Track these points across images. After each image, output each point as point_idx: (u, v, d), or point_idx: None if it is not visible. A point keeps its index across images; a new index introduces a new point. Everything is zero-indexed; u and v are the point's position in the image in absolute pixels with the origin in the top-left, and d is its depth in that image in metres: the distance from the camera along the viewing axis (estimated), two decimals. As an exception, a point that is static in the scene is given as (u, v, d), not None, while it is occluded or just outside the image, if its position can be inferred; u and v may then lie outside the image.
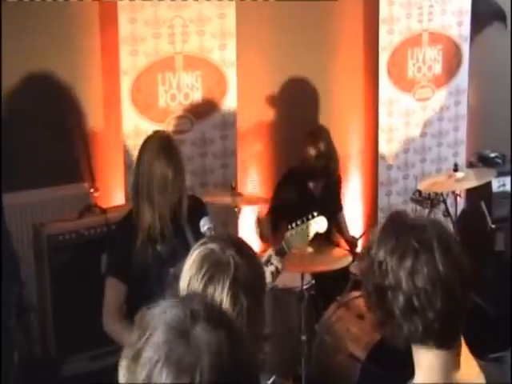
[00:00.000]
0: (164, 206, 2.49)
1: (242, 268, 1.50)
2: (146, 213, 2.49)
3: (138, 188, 2.52)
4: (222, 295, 1.48)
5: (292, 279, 3.34)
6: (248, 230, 3.93)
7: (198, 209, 2.62)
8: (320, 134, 3.85)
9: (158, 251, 2.54)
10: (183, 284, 1.55)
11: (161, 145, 2.51)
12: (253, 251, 1.61)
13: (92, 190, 3.61)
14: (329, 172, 3.86)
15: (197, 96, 3.94)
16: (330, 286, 3.59)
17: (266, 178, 4.28)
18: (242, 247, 1.57)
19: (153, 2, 3.72)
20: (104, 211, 3.42)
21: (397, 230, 1.30)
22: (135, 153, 3.69)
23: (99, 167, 3.80)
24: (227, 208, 3.46)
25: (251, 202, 3.64)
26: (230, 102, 4.03)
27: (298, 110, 4.31)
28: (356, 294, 3.43)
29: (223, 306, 1.45)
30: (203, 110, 3.99)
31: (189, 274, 1.53)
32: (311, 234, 2.57)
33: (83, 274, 3.23)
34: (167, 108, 3.90)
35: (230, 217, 3.68)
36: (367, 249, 1.32)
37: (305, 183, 3.90)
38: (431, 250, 1.25)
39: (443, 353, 1.27)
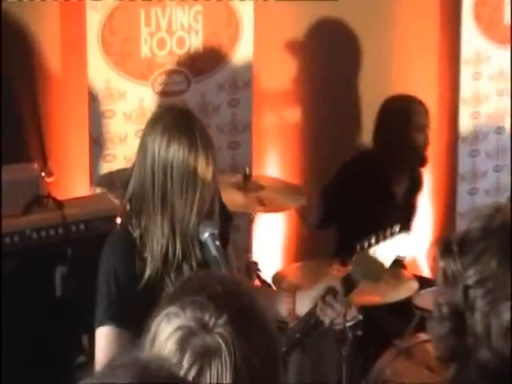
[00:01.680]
0: (190, 216, 2.48)
1: (241, 348, 1.43)
2: (159, 229, 2.48)
3: (145, 191, 2.50)
4: None
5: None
6: (269, 239, 3.99)
7: (226, 227, 2.67)
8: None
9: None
10: None
11: (180, 122, 2.50)
12: (261, 313, 1.51)
13: (43, 174, 3.65)
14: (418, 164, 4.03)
15: (196, 42, 3.99)
16: (386, 324, 3.65)
17: (293, 163, 4.32)
18: (239, 309, 1.47)
19: None
20: (60, 205, 3.47)
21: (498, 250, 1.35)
22: (107, 122, 3.91)
23: (54, 142, 3.86)
24: (237, 206, 3.54)
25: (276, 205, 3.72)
26: (242, 52, 4.08)
27: (339, 64, 4.35)
28: (423, 336, 3.47)
29: None
30: (204, 64, 4.04)
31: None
32: (391, 260, 2.53)
33: (27, 296, 3.29)
34: (152, 59, 3.95)
35: (240, 219, 3.73)
36: (444, 274, 1.35)
37: (386, 180, 4.01)
38: None
39: None
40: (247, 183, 3.63)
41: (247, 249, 3.81)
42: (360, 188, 3.91)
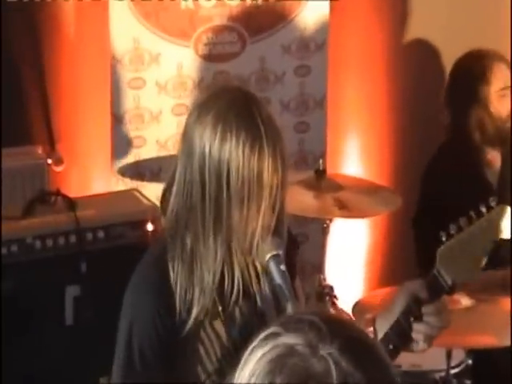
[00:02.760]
0: (251, 235, 2.43)
1: (354, 379, 1.46)
2: (211, 250, 2.45)
3: (190, 202, 2.46)
4: None
5: (431, 356, 3.31)
6: (348, 255, 3.97)
7: (293, 242, 2.66)
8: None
9: (228, 330, 2.53)
10: None
11: (239, 109, 2.43)
12: (370, 337, 1.58)
13: (49, 161, 3.66)
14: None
15: None
16: (505, 371, 3.58)
17: (381, 153, 4.32)
18: (351, 332, 1.54)
19: None
20: (72, 204, 3.45)
21: None
22: (135, 94, 3.89)
23: (65, 120, 3.86)
24: (307, 211, 3.53)
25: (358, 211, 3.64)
26: (316, 5, 4.08)
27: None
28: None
29: None
30: (265, 19, 4.04)
31: None
32: (489, 245, 2.44)
33: (32, 324, 3.29)
34: (195, 11, 3.96)
35: (311, 228, 3.72)
36: None
37: (478, 165, 4.01)
38: None
39: None
40: (321, 181, 3.60)
41: (319, 268, 3.75)
42: (449, 180, 3.96)
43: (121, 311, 2.49)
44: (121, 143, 3.92)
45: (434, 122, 4.27)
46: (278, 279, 2.39)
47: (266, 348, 1.52)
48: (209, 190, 2.42)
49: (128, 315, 2.49)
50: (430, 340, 2.47)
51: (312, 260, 3.78)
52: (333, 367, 1.45)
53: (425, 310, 2.42)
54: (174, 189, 2.49)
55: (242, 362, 1.55)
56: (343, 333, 1.51)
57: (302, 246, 2.83)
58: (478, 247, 2.44)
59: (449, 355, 3.32)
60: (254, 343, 1.54)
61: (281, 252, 2.41)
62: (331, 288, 3.68)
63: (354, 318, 3.55)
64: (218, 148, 2.39)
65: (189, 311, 2.43)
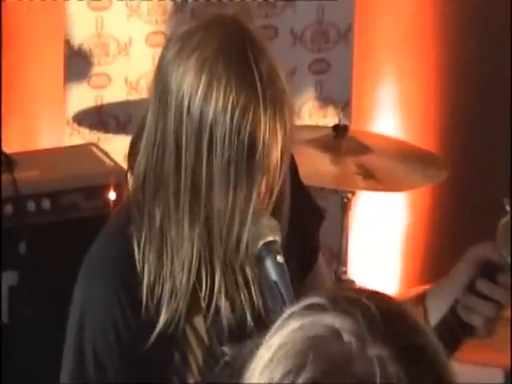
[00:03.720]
0: (239, 220, 2.41)
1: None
2: (186, 238, 2.42)
3: (162, 170, 2.44)
4: None
5: (483, 374, 3.48)
6: (378, 239, 3.99)
7: (311, 216, 2.67)
8: None
9: (212, 331, 2.53)
10: None
11: (229, 52, 2.38)
12: (429, 343, 1.57)
13: None
14: None
15: None
16: None
17: (424, 108, 4.33)
18: (405, 336, 1.54)
19: None
20: (9, 163, 3.46)
21: None
22: (97, 18, 3.86)
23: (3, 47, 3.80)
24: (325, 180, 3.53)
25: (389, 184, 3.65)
26: None
27: None
28: None
29: None
30: None
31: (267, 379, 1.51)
32: None
33: None
34: None
35: (328, 202, 3.70)
36: None
37: None
38: None
39: None
40: (341, 140, 3.60)
41: (338, 256, 3.79)
42: None
43: (70, 304, 2.46)
44: (77, 82, 3.90)
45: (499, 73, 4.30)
46: (273, 275, 2.35)
47: (307, 320, 1.55)
48: (185, 158, 2.39)
49: (78, 308, 2.47)
50: (492, 324, 2.45)
51: (330, 244, 3.76)
52: (378, 372, 1.48)
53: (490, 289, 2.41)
54: (143, 144, 2.46)
55: (276, 325, 1.57)
56: (400, 332, 1.54)
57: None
58: None
59: (506, 378, 3.41)
60: (294, 308, 1.57)
61: (278, 238, 2.35)
62: (352, 283, 3.72)
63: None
64: (200, 106, 2.36)
65: (156, 314, 2.42)
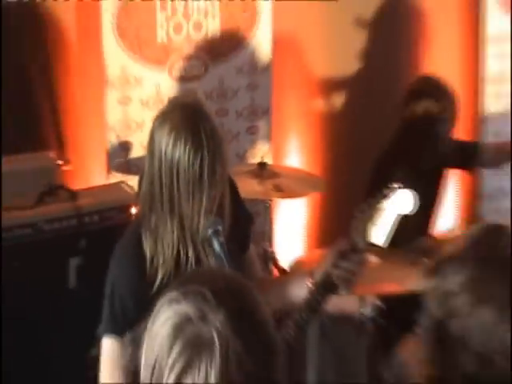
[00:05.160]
0: (198, 217, 2.33)
1: (235, 348, 1.37)
2: (169, 231, 2.34)
3: (153, 191, 2.35)
4: None
5: (352, 302, 3.32)
6: (289, 226, 3.88)
7: (246, 226, 2.57)
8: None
9: None
10: (146, 364, 1.41)
11: (188, 121, 2.32)
12: (258, 310, 1.46)
13: (59, 162, 3.51)
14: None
15: (213, 26, 3.89)
16: (408, 312, 3.46)
17: (314, 152, 4.22)
18: (236, 306, 1.43)
19: None
20: (73, 195, 3.33)
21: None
22: (123, 109, 3.78)
23: (71, 129, 3.74)
24: (253, 193, 3.44)
25: (290, 192, 3.57)
26: (261, 35, 3.98)
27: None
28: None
29: None
30: (222, 48, 3.94)
31: (154, 354, 1.42)
32: (390, 219, 2.31)
33: (40, 289, 3.17)
34: (169, 44, 3.84)
35: (258, 207, 3.63)
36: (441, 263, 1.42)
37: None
38: None
39: None
40: (263, 171, 3.50)
41: (266, 237, 3.67)
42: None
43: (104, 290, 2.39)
44: (114, 147, 3.82)
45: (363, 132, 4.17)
46: (217, 249, 2.28)
47: (169, 313, 1.44)
48: (164, 183, 2.32)
49: (111, 278, 2.39)
50: (349, 285, 2.37)
51: (261, 232, 3.66)
52: (216, 335, 1.38)
53: (346, 262, 2.33)
54: (144, 180, 2.39)
55: (153, 315, 1.47)
56: (228, 303, 1.42)
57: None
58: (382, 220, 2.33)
59: (363, 300, 3.26)
60: (162, 302, 1.47)
61: (220, 228, 2.29)
62: (272, 252, 3.63)
63: (294, 272, 3.47)
64: (171, 152, 2.29)
65: (155, 275, 2.33)
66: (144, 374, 1.44)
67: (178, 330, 1.41)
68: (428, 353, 1.46)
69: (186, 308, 1.42)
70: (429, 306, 1.50)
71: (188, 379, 1.37)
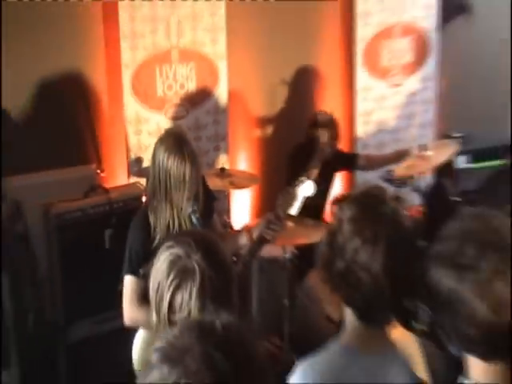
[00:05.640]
0: (182, 202, 2.26)
1: (208, 274, 1.37)
2: (164, 211, 2.27)
3: (155, 187, 2.28)
4: (189, 304, 1.36)
5: (278, 249, 3.25)
6: (241, 206, 3.81)
7: (211, 204, 2.46)
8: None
9: None
10: (153, 287, 1.41)
11: (174, 141, 2.25)
12: (221, 252, 1.44)
13: (98, 171, 3.47)
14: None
15: (191, 86, 3.84)
16: (312, 255, 3.46)
17: (256, 160, 4.17)
18: (208, 250, 1.41)
19: (151, 1, 3.61)
20: (107, 191, 3.25)
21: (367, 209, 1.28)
22: (137, 137, 3.73)
23: (105, 150, 3.69)
24: (217, 187, 3.34)
25: (240, 185, 3.44)
26: (221, 91, 3.92)
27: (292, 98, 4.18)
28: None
29: (191, 315, 1.33)
30: (197, 99, 3.87)
31: (157, 280, 1.41)
32: (299, 199, 2.27)
33: (88, 248, 3.11)
34: (165, 97, 3.78)
35: (220, 195, 3.53)
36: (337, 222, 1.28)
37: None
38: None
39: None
40: (223, 173, 3.43)
41: (225, 213, 3.63)
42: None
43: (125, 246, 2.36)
44: (132, 161, 3.74)
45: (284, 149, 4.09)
46: (195, 221, 2.24)
47: (166, 254, 1.41)
48: (161, 182, 2.26)
49: (129, 240, 2.34)
50: (275, 239, 2.33)
51: (222, 209, 3.61)
52: (196, 266, 1.37)
53: (273, 225, 2.28)
54: (149, 179, 2.35)
55: (157, 257, 1.43)
56: (204, 247, 1.40)
57: (217, 203, 2.63)
58: (293, 199, 2.27)
59: (284, 249, 3.24)
60: (163, 248, 1.42)
61: (196, 208, 2.24)
62: (229, 222, 3.60)
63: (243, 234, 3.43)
64: (165, 163, 2.24)
65: (154, 238, 2.28)
66: (151, 294, 1.43)
67: (172, 264, 1.39)
68: (325, 275, 1.32)
69: (177, 250, 1.40)
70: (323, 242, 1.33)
71: (179, 294, 1.36)
